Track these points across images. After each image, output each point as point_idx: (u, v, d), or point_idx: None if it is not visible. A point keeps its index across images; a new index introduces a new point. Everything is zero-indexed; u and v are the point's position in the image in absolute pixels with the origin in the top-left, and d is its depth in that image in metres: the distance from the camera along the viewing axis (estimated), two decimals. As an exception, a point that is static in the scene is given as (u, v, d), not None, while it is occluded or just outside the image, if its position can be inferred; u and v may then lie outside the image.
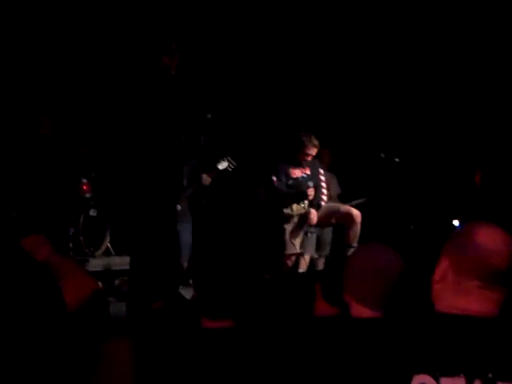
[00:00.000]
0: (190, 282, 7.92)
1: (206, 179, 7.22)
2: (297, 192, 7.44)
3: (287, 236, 7.44)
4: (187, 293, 6.85)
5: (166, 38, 5.84)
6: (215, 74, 8.61)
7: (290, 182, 7.49)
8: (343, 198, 8.04)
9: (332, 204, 7.68)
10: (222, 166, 7.18)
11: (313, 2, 8.78)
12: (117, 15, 8.22)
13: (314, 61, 8.91)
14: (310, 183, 7.43)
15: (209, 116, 6.65)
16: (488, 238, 1.90)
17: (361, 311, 2.43)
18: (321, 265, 7.66)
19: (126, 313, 5.21)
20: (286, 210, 7.47)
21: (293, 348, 2.35)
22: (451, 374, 1.78)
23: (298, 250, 7.43)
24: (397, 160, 8.12)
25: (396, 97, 8.93)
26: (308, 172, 7.62)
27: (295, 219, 7.47)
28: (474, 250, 1.89)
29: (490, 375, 1.77)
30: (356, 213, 7.44)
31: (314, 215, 7.41)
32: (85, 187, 7.82)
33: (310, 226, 7.45)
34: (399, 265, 2.46)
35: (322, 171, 7.78)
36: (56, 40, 8.04)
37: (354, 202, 7.89)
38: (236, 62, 8.83)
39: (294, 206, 7.46)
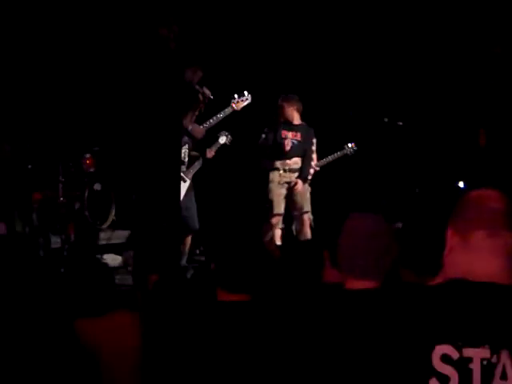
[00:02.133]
0: (197, 251, 8.02)
1: (210, 153, 7.51)
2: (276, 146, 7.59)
3: (274, 196, 7.59)
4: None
5: (162, 10, 5.76)
6: (214, 45, 8.53)
7: (279, 140, 7.59)
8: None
9: (307, 202, 7.66)
10: (222, 140, 7.56)
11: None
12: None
13: (308, 26, 8.77)
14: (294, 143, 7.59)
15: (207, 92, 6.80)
16: (480, 190, 1.94)
17: (352, 283, 2.39)
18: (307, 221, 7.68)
19: (132, 285, 5.25)
20: (273, 175, 7.61)
21: (304, 319, 2.32)
22: (475, 344, 1.73)
23: (281, 211, 7.60)
24: (400, 123, 8.09)
25: (397, 60, 8.84)
26: (299, 138, 7.65)
27: (278, 180, 7.58)
28: (472, 201, 1.90)
29: None
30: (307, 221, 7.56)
31: (300, 186, 7.54)
32: (88, 162, 7.81)
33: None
34: (387, 232, 2.44)
35: (314, 141, 7.76)
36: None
37: (330, 157, 7.97)
38: (235, 31, 8.74)
39: (281, 172, 7.60)
